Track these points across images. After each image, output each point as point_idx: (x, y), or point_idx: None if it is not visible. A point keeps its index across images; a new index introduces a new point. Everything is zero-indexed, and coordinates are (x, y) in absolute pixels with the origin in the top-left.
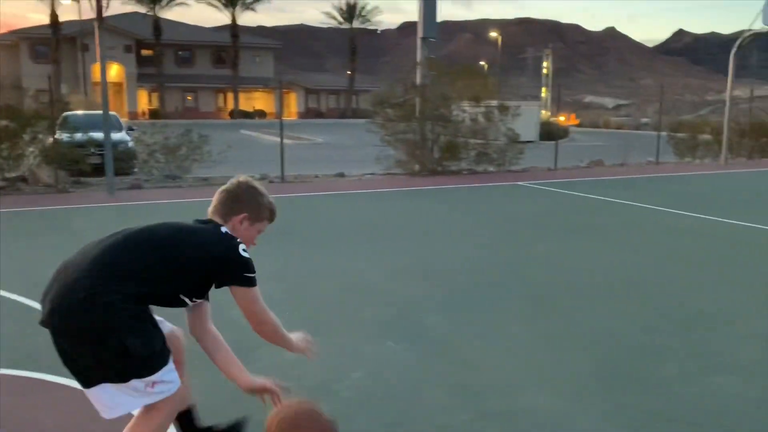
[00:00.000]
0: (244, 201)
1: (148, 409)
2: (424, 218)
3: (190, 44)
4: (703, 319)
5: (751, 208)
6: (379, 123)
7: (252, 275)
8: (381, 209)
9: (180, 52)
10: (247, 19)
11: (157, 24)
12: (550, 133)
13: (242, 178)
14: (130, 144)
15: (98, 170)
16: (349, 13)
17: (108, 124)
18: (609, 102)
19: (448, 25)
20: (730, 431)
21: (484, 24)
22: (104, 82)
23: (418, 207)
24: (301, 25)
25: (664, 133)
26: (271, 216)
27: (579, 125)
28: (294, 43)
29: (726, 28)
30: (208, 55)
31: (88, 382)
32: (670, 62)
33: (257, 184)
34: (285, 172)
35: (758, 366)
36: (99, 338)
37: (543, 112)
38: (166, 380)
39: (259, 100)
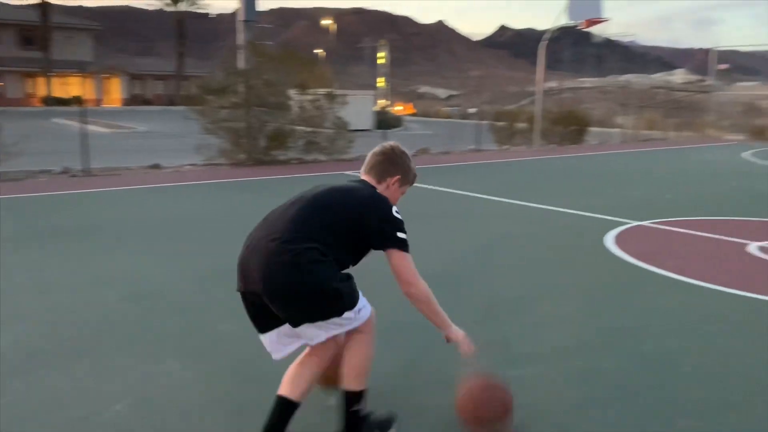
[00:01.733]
0: (399, 164)
1: (357, 333)
2: (241, 213)
3: None
4: (504, 307)
5: (553, 191)
6: (198, 110)
7: (404, 236)
8: (196, 204)
9: None
10: None
11: None
12: (385, 122)
13: (393, 143)
14: None
15: None
16: None
17: None
18: (442, 93)
19: (284, 11)
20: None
21: (321, 12)
22: None
23: (237, 200)
24: (126, 6)
25: (485, 122)
26: (413, 180)
27: (415, 114)
28: (119, 26)
29: (542, 24)
30: (14, 35)
31: (307, 319)
32: (495, 55)
33: (406, 149)
34: (92, 164)
35: (560, 354)
36: (315, 290)
37: (381, 101)
38: (363, 305)
39: (76, 86)
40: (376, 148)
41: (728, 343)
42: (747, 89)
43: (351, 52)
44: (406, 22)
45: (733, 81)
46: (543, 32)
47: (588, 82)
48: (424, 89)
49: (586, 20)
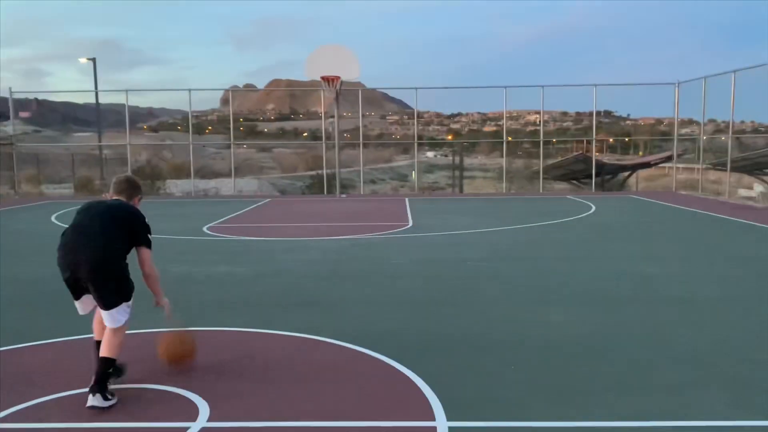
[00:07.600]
0: (140, 187)
1: (120, 326)
2: None
3: None
4: None
5: None
6: None
7: (151, 237)
8: None
9: None
10: None
11: None
12: None
13: (128, 173)
14: None
15: None
16: None
17: None
18: None
19: None
20: None
21: None
22: None
23: None
24: None
25: None
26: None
27: None
28: None
29: None
30: None
31: (111, 305)
32: None
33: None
34: None
35: None
36: (117, 273)
37: None
38: (131, 305)
39: None
40: (120, 178)
41: None
42: (84, 140)
43: None
44: None
45: (71, 132)
46: None
47: None
48: None
49: None
